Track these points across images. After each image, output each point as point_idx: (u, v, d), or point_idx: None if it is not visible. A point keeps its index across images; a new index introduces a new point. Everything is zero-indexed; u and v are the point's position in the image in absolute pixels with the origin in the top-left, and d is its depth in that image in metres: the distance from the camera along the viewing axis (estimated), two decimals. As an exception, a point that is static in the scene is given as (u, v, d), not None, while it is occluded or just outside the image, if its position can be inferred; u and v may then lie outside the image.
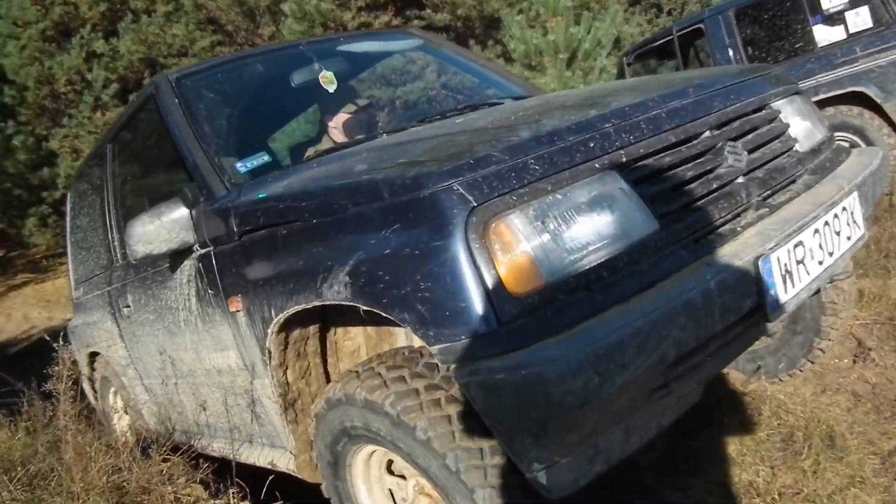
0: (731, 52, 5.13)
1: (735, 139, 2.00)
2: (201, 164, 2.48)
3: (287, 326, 2.11)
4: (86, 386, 4.21)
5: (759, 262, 1.67)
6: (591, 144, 1.72)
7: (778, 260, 1.73)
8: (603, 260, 1.61)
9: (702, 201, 1.83)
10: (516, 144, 1.68)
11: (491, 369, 1.48)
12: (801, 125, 2.32)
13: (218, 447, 2.90)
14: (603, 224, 1.66)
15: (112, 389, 3.97)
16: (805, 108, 2.40)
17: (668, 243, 1.71)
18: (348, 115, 3.37)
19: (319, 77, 3.02)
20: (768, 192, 1.99)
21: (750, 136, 2.05)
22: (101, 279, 3.55)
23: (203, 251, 2.41)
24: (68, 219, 4.21)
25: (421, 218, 1.61)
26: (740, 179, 1.94)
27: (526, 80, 8.01)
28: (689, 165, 1.86)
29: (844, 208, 2.01)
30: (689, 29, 5.43)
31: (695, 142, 1.90)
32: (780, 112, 2.21)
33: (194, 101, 2.67)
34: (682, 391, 1.73)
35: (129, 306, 3.18)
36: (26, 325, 8.99)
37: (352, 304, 1.75)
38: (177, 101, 2.66)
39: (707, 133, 1.94)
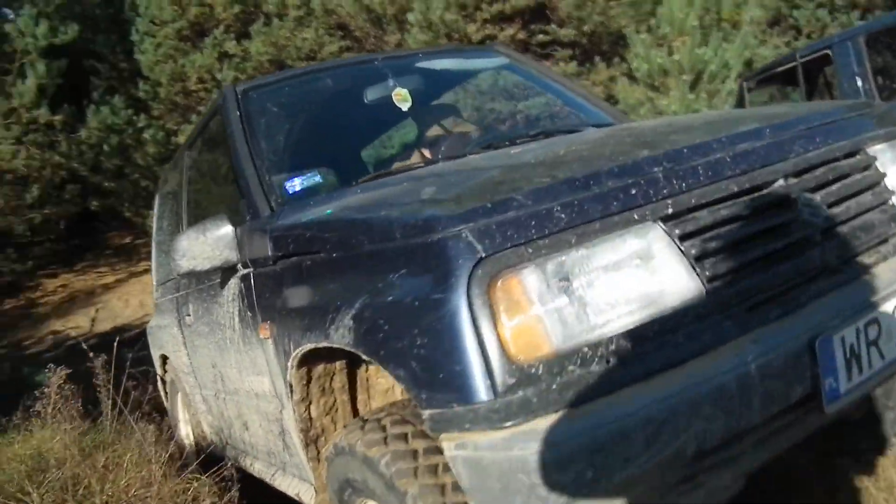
0: (859, 82, 4.67)
1: (814, 189, 1.72)
2: (251, 180, 2.42)
3: (309, 360, 2.00)
4: (160, 386, 4.29)
5: (818, 343, 1.41)
6: (633, 191, 1.51)
7: (843, 340, 1.46)
8: (630, 328, 1.40)
9: (763, 263, 1.58)
10: (545, 187, 1.49)
11: (478, 445, 1.31)
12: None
13: (258, 468, 2.83)
14: (636, 285, 1.45)
15: (178, 394, 4.02)
16: None
17: (712, 311, 1.47)
18: (432, 135, 3.26)
19: (393, 94, 2.91)
20: (850, 254, 1.71)
21: (834, 187, 1.77)
22: (173, 284, 3.58)
23: (245, 271, 2.34)
24: (154, 220, 4.30)
25: (427, 265, 1.45)
26: (816, 238, 1.67)
27: (649, 100, 7.71)
28: (753, 220, 1.60)
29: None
30: (816, 55, 4.99)
31: (763, 192, 1.64)
32: (876, 158, 1.90)
33: (256, 115, 2.62)
34: (717, 484, 1.49)
35: (189, 315, 3.18)
36: (141, 312, 9.37)
37: (353, 350, 1.62)
38: (238, 113, 2.61)
39: (780, 182, 1.68)
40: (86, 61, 10.95)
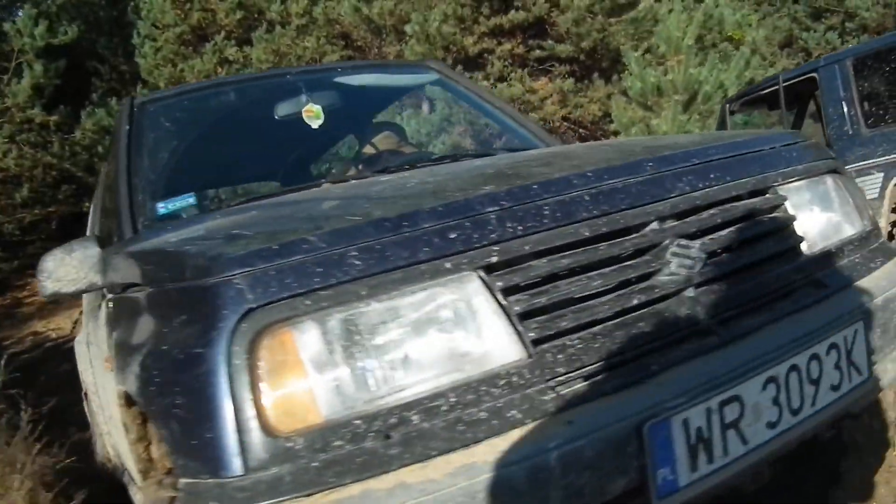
0: (844, 108, 4.40)
1: (697, 235, 1.49)
2: (122, 198, 2.23)
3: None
4: (84, 400, 4.12)
5: (646, 428, 1.18)
6: (452, 236, 1.28)
7: (686, 423, 1.22)
8: (419, 399, 1.19)
9: (611, 324, 1.35)
10: (345, 228, 1.28)
11: (213, 533, 1.10)
12: (819, 217, 1.77)
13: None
14: (438, 347, 1.23)
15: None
16: (837, 194, 1.84)
17: (532, 382, 1.24)
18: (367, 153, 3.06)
19: (303, 111, 2.72)
20: (730, 313, 1.47)
21: (724, 232, 1.53)
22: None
23: (108, 296, 2.15)
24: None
25: (198, 312, 1.24)
26: (686, 293, 1.44)
27: (642, 119, 7.46)
28: (605, 271, 1.38)
29: (835, 345, 1.46)
30: (801, 78, 4.73)
31: (626, 237, 1.42)
32: (786, 198, 1.67)
33: (146, 130, 2.43)
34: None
35: (90, 332, 3.01)
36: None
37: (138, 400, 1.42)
38: (127, 127, 2.43)
39: (653, 226, 1.45)
40: (88, 63, 10.89)
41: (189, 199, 2.23)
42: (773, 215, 1.63)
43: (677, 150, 1.64)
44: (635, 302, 1.37)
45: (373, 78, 2.93)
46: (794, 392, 1.37)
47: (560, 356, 1.28)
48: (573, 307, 1.33)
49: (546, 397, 1.23)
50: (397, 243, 1.25)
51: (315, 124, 2.71)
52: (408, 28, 9.10)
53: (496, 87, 8.86)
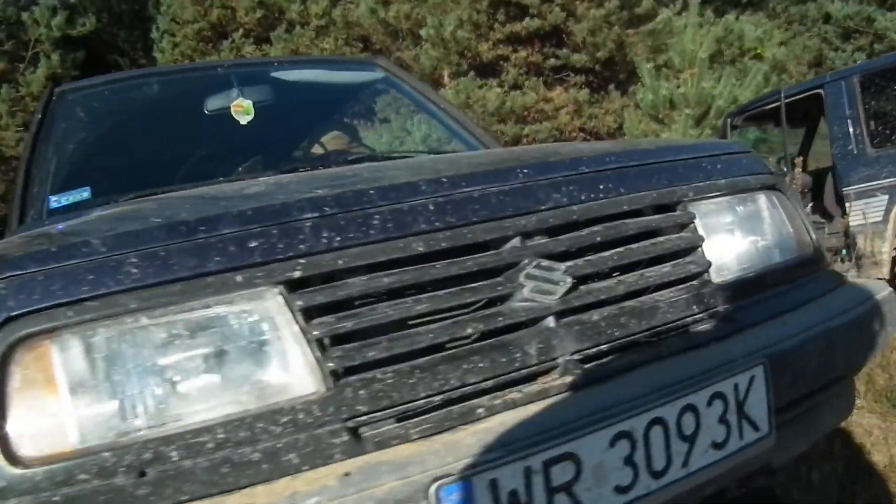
0: (850, 126, 4.16)
1: (567, 255, 1.30)
2: (18, 190, 2.11)
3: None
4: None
5: (434, 487, 0.99)
6: (252, 244, 1.10)
7: (493, 484, 1.03)
8: (181, 431, 1.02)
9: (439, 356, 1.16)
10: (136, 231, 1.12)
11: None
12: (741, 240, 1.56)
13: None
14: (216, 373, 1.06)
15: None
16: (770, 214, 1.63)
17: (326, 420, 1.06)
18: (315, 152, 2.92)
19: (232, 105, 2.56)
20: (600, 348, 1.27)
21: (607, 253, 1.33)
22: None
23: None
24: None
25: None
26: (547, 324, 1.24)
27: (654, 132, 7.22)
28: (438, 294, 1.19)
29: (721, 394, 1.25)
30: (806, 94, 4.48)
31: (468, 257, 1.23)
32: (694, 217, 1.47)
33: (58, 120, 2.31)
34: None
35: None
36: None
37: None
38: (39, 116, 2.30)
39: (514, 243, 1.27)
40: (109, 56, 10.94)
41: (83, 194, 2.09)
42: (674, 236, 1.43)
43: (569, 156, 1.45)
44: (469, 331, 1.18)
45: (312, 74, 2.77)
46: (656, 450, 1.16)
47: (363, 392, 1.09)
48: (390, 335, 1.14)
49: (337, 440, 1.05)
50: (185, 250, 1.08)
51: (244, 120, 2.56)
52: (423, 32, 8.98)
53: (510, 94, 8.70)
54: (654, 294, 1.37)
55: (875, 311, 1.63)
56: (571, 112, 8.74)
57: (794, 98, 4.48)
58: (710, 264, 1.44)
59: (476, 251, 1.24)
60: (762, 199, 1.64)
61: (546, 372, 1.22)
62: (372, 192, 1.23)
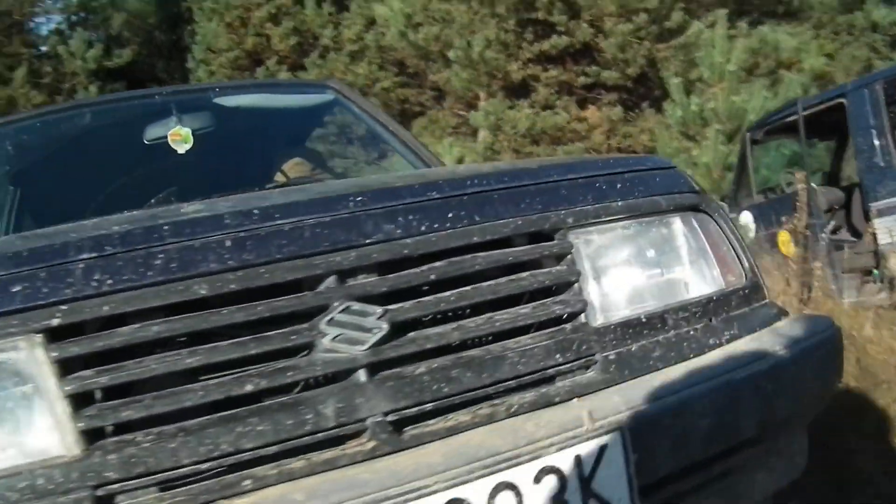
0: (875, 137, 3.84)
1: (394, 296, 1.12)
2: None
3: None
4: None
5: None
6: (15, 289, 0.96)
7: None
8: None
9: (216, 416, 1.00)
10: None
11: None
12: (639, 274, 1.35)
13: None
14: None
15: None
16: (689, 241, 1.42)
17: (71, 487, 0.91)
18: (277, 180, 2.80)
19: (169, 134, 2.46)
20: (426, 406, 1.08)
21: (446, 294, 1.14)
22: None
23: None
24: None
25: None
26: (357, 378, 1.06)
27: (686, 150, 6.92)
28: (221, 344, 1.03)
29: (555, 469, 1.05)
30: (827, 105, 4.18)
31: (260, 302, 1.05)
32: (571, 247, 1.26)
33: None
34: None
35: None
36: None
37: None
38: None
39: (329, 283, 1.09)
40: (148, 85, 11.15)
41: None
42: (539, 271, 1.23)
43: (423, 180, 1.27)
44: (249, 388, 1.01)
45: (256, 98, 2.65)
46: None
47: (115, 456, 0.94)
48: (155, 392, 0.98)
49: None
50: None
51: (182, 149, 2.45)
52: (451, 54, 8.86)
53: (541, 115, 8.51)
54: (508, 341, 1.17)
55: (812, 355, 1.41)
56: (605, 131, 8.49)
57: (815, 109, 4.19)
58: (585, 304, 1.24)
59: (280, 293, 1.08)
60: (677, 223, 1.43)
61: (352, 436, 1.04)
62: (166, 227, 1.07)
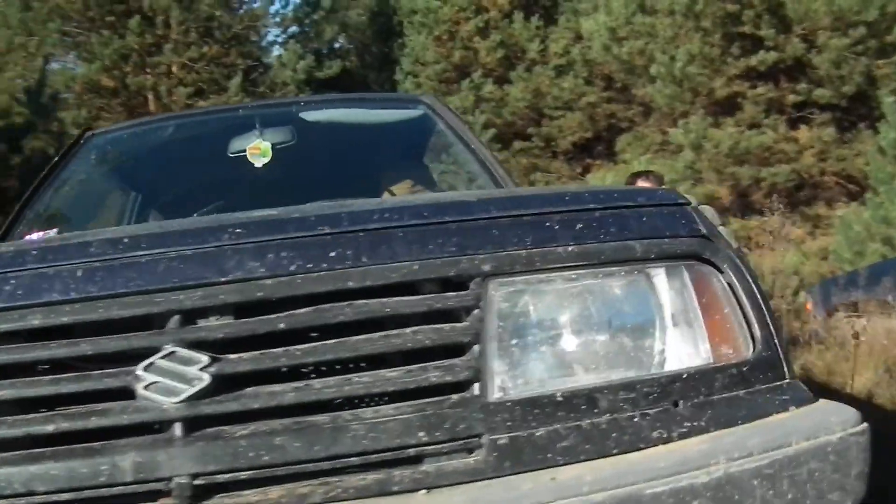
0: None
1: (236, 344, 1.01)
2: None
3: None
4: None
5: None
6: None
7: None
8: None
9: (12, 454, 0.96)
10: None
11: None
12: (573, 339, 1.13)
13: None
14: None
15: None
16: (669, 298, 1.16)
17: None
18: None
19: (248, 148, 2.52)
20: (241, 474, 0.97)
21: (299, 349, 1.02)
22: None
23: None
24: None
25: None
26: (171, 434, 0.97)
27: (892, 178, 6.05)
28: (44, 380, 0.99)
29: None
30: None
31: (90, 339, 1.00)
32: (480, 300, 1.08)
33: (76, 163, 2.43)
34: None
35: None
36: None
37: None
38: (55, 158, 2.44)
39: (173, 323, 1.02)
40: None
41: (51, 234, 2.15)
42: (424, 327, 1.07)
43: (327, 211, 1.16)
44: (50, 428, 0.96)
45: (342, 113, 2.64)
46: None
47: None
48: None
49: None
50: None
51: (259, 163, 2.50)
52: (653, 69, 8.46)
53: (745, 134, 7.88)
54: (367, 409, 1.03)
55: (808, 460, 1.12)
56: (816, 153, 7.69)
57: None
58: (478, 373, 1.06)
59: (124, 330, 1.02)
60: (658, 276, 1.19)
61: (158, 495, 0.96)
62: (35, 251, 1.07)
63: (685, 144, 8.21)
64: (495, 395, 1.06)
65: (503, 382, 1.07)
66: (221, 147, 2.50)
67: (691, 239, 1.15)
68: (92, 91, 10.82)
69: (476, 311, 1.07)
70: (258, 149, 2.50)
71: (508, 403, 1.05)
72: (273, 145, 2.49)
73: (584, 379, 1.12)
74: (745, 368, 1.13)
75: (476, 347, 1.06)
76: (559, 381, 1.11)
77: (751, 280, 1.23)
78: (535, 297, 1.13)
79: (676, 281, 1.13)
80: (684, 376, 1.12)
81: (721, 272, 1.19)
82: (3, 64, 8.13)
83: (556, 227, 1.12)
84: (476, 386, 1.05)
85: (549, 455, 1.04)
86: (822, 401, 1.23)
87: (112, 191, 2.49)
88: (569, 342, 1.13)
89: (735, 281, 1.19)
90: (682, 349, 1.16)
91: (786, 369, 1.24)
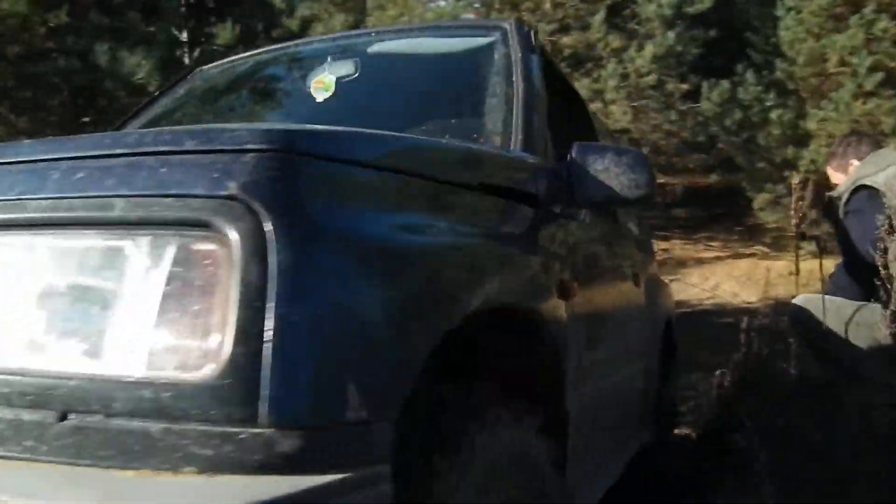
0: None
1: None
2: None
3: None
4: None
5: None
6: None
7: None
8: None
9: None
10: None
11: None
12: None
13: None
14: None
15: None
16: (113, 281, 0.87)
17: None
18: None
19: (312, 82, 2.51)
20: None
21: None
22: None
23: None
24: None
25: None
26: None
27: None
28: None
29: None
30: None
31: None
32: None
33: (173, 95, 2.66)
34: None
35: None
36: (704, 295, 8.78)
37: None
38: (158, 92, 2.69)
39: None
40: (743, 34, 10.63)
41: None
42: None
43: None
44: None
45: (409, 44, 2.44)
46: None
47: None
48: None
49: None
50: None
51: (321, 97, 2.49)
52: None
53: None
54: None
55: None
56: None
57: None
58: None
59: None
60: (135, 246, 0.88)
61: None
62: None
63: None
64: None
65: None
66: (302, 82, 2.52)
67: (206, 200, 0.88)
68: None
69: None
70: (322, 83, 2.47)
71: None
72: (337, 79, 2.44)
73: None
74: (188, 392, 0.80)
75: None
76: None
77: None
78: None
79: (155, 257, 0.87)
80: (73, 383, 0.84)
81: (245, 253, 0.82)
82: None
83: (56, 174, 0.95)
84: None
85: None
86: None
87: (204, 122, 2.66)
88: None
89: (253, 266, 0.82)
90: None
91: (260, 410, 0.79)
